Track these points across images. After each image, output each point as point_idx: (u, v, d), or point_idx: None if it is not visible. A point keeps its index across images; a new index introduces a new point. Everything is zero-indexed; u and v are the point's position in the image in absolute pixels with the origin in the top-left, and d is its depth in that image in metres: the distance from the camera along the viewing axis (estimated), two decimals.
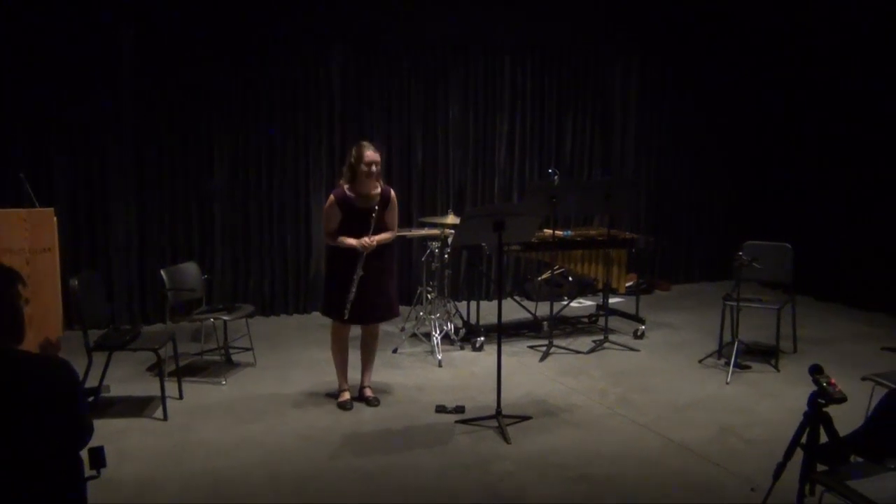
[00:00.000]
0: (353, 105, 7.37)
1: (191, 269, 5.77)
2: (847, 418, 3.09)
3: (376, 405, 4.94)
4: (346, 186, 4.76)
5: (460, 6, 7.56)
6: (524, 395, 5.15)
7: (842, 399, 2.95)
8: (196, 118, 6.88)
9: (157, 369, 4.85)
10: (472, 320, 6.63)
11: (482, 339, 6.21)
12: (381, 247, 4.77)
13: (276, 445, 4.34)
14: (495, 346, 4.72)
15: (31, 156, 6.36)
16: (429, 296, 6.34)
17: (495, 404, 4.61)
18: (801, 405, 3.09)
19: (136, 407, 4.90)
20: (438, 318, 6.24)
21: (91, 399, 4.81)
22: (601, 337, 6.37)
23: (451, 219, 6.22)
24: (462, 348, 6.22)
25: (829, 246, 7.82)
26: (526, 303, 7.22)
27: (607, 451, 4.30)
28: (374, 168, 4.69)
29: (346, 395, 4.97)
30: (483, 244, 6.12)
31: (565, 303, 7.22)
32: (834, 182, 7.94)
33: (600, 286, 6.89)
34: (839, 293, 7.76)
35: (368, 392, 5.03)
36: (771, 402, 5.04)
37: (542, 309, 6.76)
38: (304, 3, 7.10)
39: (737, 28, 8.50)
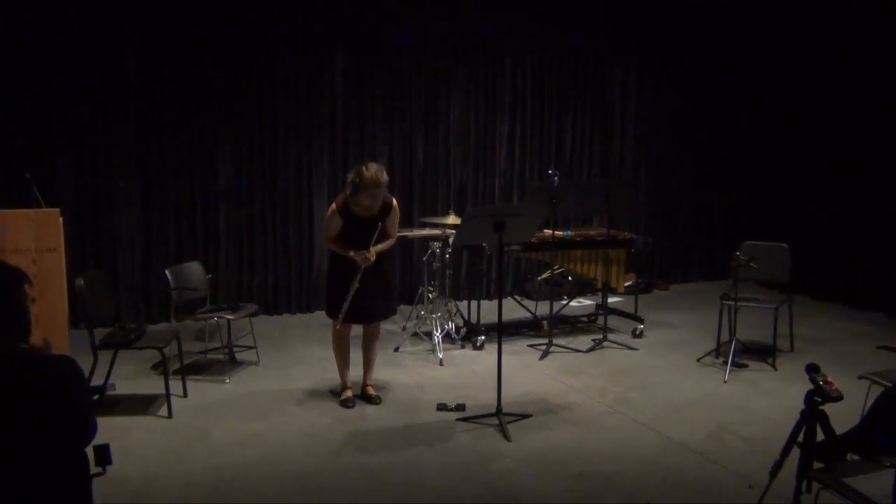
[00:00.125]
0: (354, 105, 7.40)
1: (195, 269, 5.80)
2: (843, 417, 3.11)
3: (378, 403, 4.98)
4: (348, 193, 4.72)
5: (461, 7, 7.58)
6: (524, 393, 5.19)
7: (838, 397, 2.97)
8: (199, 118, 6.91)
9: (161, 368, 4.90)
10: (473, 319, 6.66)
11: (483, 337, 6.24)
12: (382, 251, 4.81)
13: (278, 443, 4.38)
14: (496, 345, 4.76)
15: (35, 156, 6.39)
16: (430, 295, 6.39)
17: (496, 402, 4.65)
18: (798, 403, 3.12)
19: (141, 405, 4.93)
20: (439, 317, 6.28)
21: (96, 397, 4.85)
22: (600, 336, 6.41)
23: (452, 219, 6.26)
24: (463, 347, 6.25)
25: (826, 246, 7.85)
26: (526, 302, 7.24)
27: (606, 448, 4.34)
28: (376, 192, 4.60)
29: (349, 393, 5.01)
30: (484, 244, 6.14)
31: (565, 302, 7.25)
32: (831, 183, 7.96)
33: (599, 286, 6.92)
34: (836, 293, 7.79)
35: (370, 390, 5.06)
36: (768, 400, 5.07)
37: (542, 308, 6.79)
38: (306, 4, 7.13)
39: (737, 28, 8.51)
